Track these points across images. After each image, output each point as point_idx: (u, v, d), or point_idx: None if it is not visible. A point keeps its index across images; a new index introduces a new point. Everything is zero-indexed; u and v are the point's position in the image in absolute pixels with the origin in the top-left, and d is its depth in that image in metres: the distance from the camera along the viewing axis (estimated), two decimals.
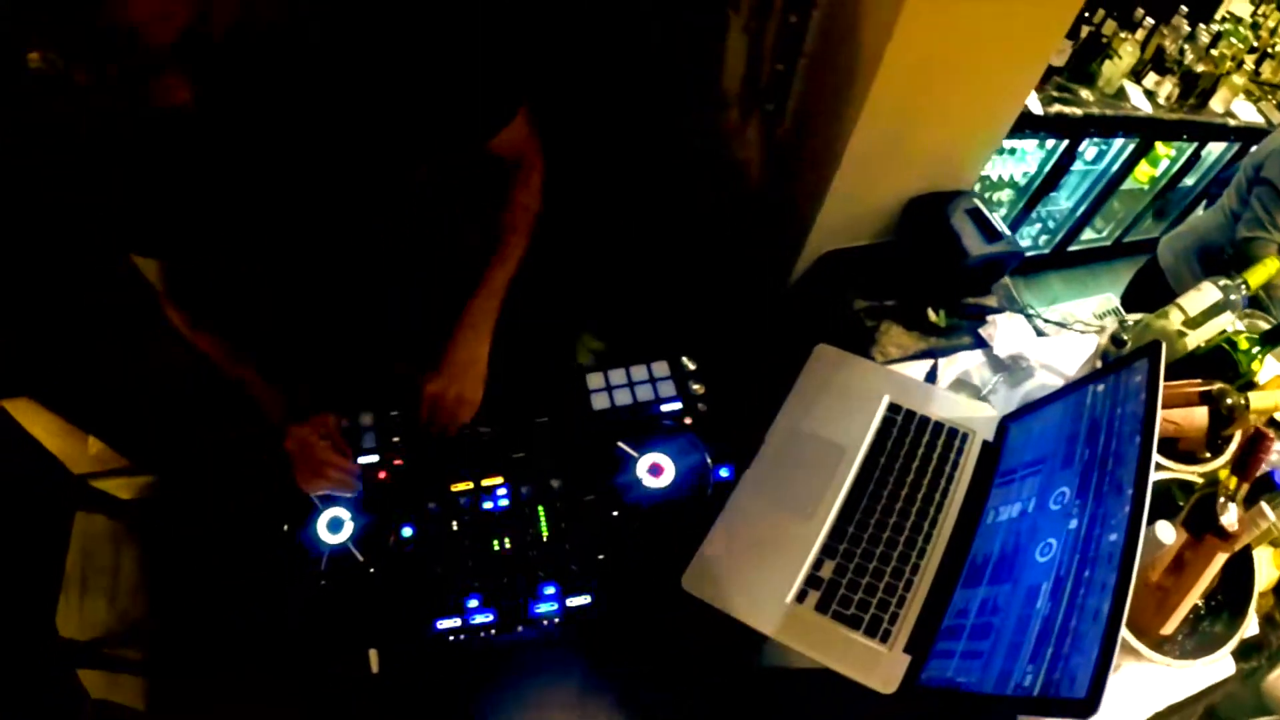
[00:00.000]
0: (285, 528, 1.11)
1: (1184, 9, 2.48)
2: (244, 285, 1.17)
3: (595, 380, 1.26)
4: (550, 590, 1.07)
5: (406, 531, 1.11)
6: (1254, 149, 2.05)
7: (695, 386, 1.26)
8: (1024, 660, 0.80)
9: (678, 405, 1.23)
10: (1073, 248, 3.31)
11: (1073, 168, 2.77)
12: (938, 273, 1.47)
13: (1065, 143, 2.57)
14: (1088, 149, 2.79)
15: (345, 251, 1.11)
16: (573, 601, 1.07)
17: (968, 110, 1.32)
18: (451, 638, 1.04)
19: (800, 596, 1.02)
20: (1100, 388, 0.99)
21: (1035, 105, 2.30)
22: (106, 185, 0.97)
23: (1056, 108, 2.34)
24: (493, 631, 1.05)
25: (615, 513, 1.13)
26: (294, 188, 0.99)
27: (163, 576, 1.51)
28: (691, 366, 1.28)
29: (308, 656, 1.07)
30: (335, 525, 1.10)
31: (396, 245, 1.15)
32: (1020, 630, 0.83)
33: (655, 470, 1.14)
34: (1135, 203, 3.30)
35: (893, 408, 1.19)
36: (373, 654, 1.03)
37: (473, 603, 1.06)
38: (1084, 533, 0.85)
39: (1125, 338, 1.28)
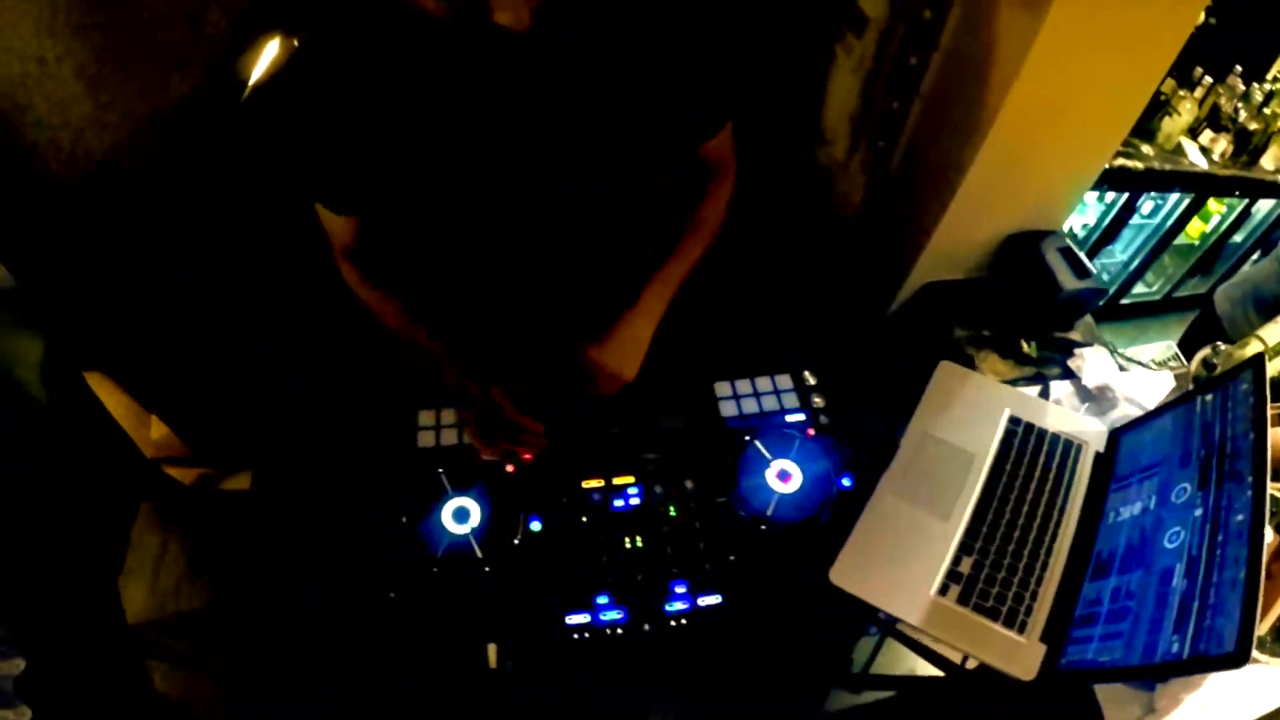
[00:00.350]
0: (404, 519, 1.17)
1: (1239, 68, 2.68)
2: (438, 245, 1.23)
3: (723, 389, 1.38)
4: (681, 589, 1.14)
5: (535, 525, 1.18)
6: None
7: (816, 400, 1.38)
8: (1168, 632, 0.93)
9: (801, 416, 1.36)
10: (1124, 301, 3.51)
11: (1130, 221, 2.96)
12: (1031, 305, 1.63)
13: (1125, 196, 2.77)
14: (1144, 203, 2.98)
15: (550, 215, 1.16)
16: (703, 601, 1.13)
17: (1070, 152, 1.49)
18: (576, 635, 1.09)
19: (943, 590, 1.15)
20: (1209, 398, 1.15)
21: None
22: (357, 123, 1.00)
23: (1120, 161, 2.52)
24: (619, 630, 1.10)
25: (743, 514, 1.22)
26: (547, 141, 1.04)
27: (230, 566, 1.51)
28: (812, 381, 1.41)
29: (416, 649, 1.10)
30: (461, 515, 1.16)
31: (594, 221, 1.19)
32: (1160, 607, 0.97)
33: (784, 476, 1.25)
34: (1186, 258, 3.51)
35: (1013, 420, 1.35)
36: (491, 649, 1.07)
37: (602, 599, 1.12)
38: (1210, 518, 0.99)
39: (1216, 361, 1.47)
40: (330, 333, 1.71)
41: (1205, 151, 2.76)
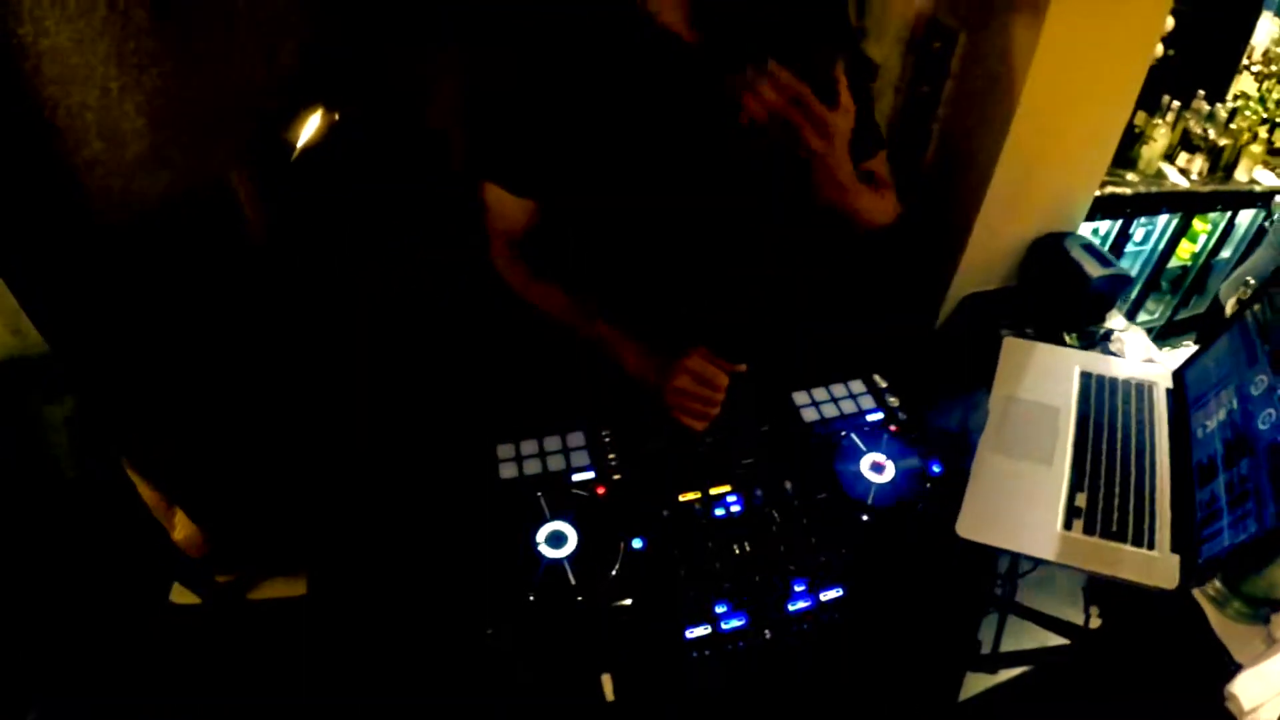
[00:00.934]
0: (495, 551, 1.18)
1: (1201, 92, 2.96)
2: (606, 230, 1.29)
3: (801, 397, 1.46)
4: (800, 587, 1.15)
5: (637, 544, 1.18)
6: None
7: (891, 399, 1.48)
8: None
9: (880, 415, 1.45)
10: None
11: (1125, 250, 3.17)
12: (1064, 302, 1.80)
13: (1119, 224, 3.00)
14: (1135, 230, 3.20)
15: (713, 209, 1.24)
16: (825, 595, 1.15)
17: (1078, 153, 1.69)
18: (695, 653, 1.08)
19: (1068, 525, 1.26)
20: (1256, 308, 1.32)
21: None
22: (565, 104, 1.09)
23: (1109, 189, 2.77)
24: (740, 643, 1.09)
25: (845, 506, 1.28)
26: (716, 134, 1.13)
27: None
28: (883, 383, 1.51)
29: (524, 689, 1.07)
30: (556, 541, 1.18)
31: (757, 216, 1.29)
32: (1278, 476, 1.09)
33: (878, 468, 1.34)
34: (1181, 280, 3.73)
35: (1085, 374, 1.51)
36: (606, 679, 1.03)
37: (721, 608, 1.11)
38: None
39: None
40: (384, 409, 1.71)
41: (1184, 172, 3.02)
